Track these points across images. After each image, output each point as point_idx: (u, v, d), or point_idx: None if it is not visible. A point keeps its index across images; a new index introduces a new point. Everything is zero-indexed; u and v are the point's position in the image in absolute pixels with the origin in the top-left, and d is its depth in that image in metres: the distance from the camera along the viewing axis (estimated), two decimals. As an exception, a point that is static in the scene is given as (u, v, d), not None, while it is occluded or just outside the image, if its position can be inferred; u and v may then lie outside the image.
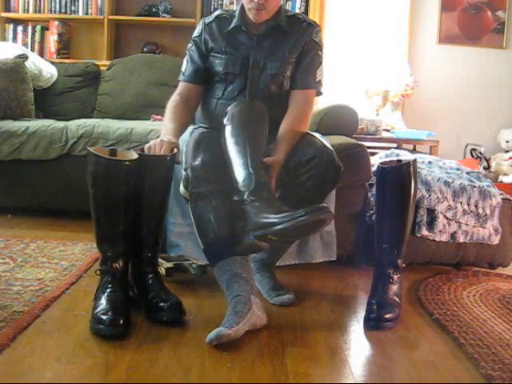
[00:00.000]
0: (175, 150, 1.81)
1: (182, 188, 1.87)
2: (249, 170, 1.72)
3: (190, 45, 2.12)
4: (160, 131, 2.88)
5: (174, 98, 2.07)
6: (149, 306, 1.73)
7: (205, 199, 1.79)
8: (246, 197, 1.69)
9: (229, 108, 1.87)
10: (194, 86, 2.09)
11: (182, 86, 2.11)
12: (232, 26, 2.04)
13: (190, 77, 2.10)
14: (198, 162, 1.84)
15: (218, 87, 2.07)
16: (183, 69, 2.12)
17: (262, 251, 1.83)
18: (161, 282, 1.78)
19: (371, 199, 2.42)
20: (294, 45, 2.03)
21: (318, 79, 2.06)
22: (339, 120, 2.67)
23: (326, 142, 2.05)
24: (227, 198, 1.79)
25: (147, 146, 1.82)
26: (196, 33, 2.11)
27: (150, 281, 1.77)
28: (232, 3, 4.22)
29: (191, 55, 2.10)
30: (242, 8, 2.03)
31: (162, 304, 1.70)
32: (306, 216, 1.57)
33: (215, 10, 3.92)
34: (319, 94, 2.10)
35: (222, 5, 4.23)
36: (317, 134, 2.09)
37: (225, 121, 1.85)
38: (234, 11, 2.08)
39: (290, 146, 1.90)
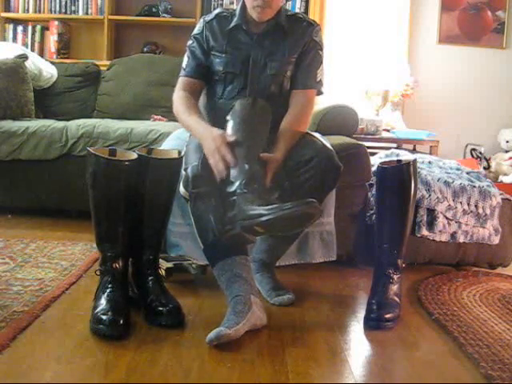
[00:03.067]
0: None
1: (181, 188, 1.87)
2: (243, 162, 1.72)
3: (190, 41, 2.09)
4: (160, 131, 2.90)
5: (182, 94, 2.03)
6: (148, 310, 1.72)
7: (204, 199, 1.79)
8: (237, 188, 1.69)
9: (233, 104, 1.87)
10: (195, 81, 2.06)
11: (183, 80, 2.07)
12: (232, 24, 2.03)
13: (192, 71, 2.06)
14: (197, 162, 1.84)
15: (217, 87, 2.07)
16: (184, 64, 2.09)
17: (249, 243, 1.83)
18: (161, 284, 1.78)
19: (371, 199, 2.42)
20: (294, 45, 2.03)
21: (318, 79, 2.06)
22: (339, 120, 2.67)
23: (326, 142, 2.05)
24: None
25: (211, 160, 1.78)
26: (197, 30, 2.09)
27: (151, 283, 1.77)
28: (232, 3, 4.21)
29: (193, 51, 2.07)
30: (243, 7, 2.02)
31: (161, 308, 1.69)
32: (292, 208, 1.58)
33: (215, 9, 3.91)
34: (320, 93, 2.09)
35: (221, 4, 4.23)
36: (317, 134, 2.09)
37: (227, 116, 1.86)
38: (235, 10, 2.07)
39: (289, 145, 1.90)
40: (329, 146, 1.97)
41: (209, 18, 2.08)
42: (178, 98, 2.03)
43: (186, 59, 2.09)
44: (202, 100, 2.15)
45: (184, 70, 2.08)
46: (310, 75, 2.04)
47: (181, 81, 2.08)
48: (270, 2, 1.93)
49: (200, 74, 2.07)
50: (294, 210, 1.58)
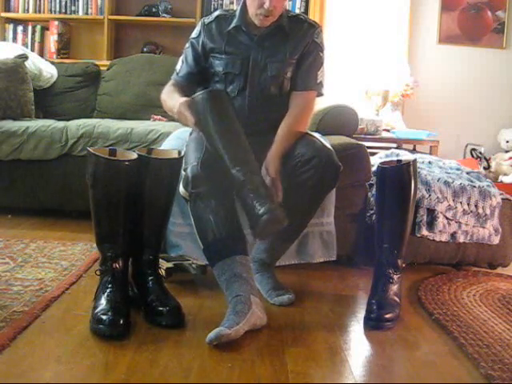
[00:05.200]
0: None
1: (181, 188, 1.87)
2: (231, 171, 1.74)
3: (187, 45, 2.12)
4: (160, 131, 2.91)
5: (170, 87, 2.10)
6: (148, 310, 1.73)
7: (204, 199, 1.79)
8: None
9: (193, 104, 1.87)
10: (184, 88, 2.09)
11: (174, 83, 2.12)
12: (232, 25, 2.03)
13: (182, 78, 2.11)
14: (197, 162, 1.84)
15: (218, 87, 2.07)
16: (177, 68, 2.13)
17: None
18: (161, 284, 1.78)
19: (371, 199, 2.42)
20: (295, 46, 2.03)
21: (319, 80, 2.06)
22: (339, 120, 2.67)
23: (326, 142, 2.05)
24: (227, 198, 1.80)
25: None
26: (194, 34, 2.10)
27: (151, 283, 1.77)
28: (232, 3, 4.21)
29: (186, 56, 2.11)
30: (243, 8, 2.02)
31: (161, 308, 1.69)
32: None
33: (215, 10, 3.91)
34: (320, 94, 2.09)
35: (222, 5, 4.23)
36: (316, 134, 2.09)
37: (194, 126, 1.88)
38: (235, 11, 2.07)
39: (287, 146, 1.90)
40: (328, 145, 1.97)
41: (208, 20, 2.09)
42: (167, 88, 2.09)
43: (180, 63, 2.14)
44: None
45: (177, 74, 2.13)
46: (311, 76, 2.04)
47: (171, 82, 2.13)
48: (273, 12, 1.93)
49: (190, 82, 2.11)
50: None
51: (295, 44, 2.03)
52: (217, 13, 2.10)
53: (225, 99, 1.86)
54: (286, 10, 2.09)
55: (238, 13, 2.03)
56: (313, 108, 2.09)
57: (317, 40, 2.05)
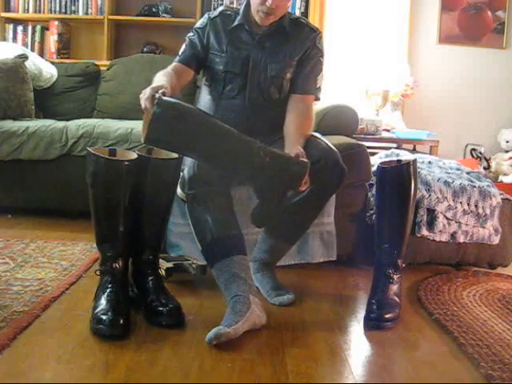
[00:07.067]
0: (162, 91, 1.76)
1: (178, 190, 1.87)
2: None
3: (191, 33, 2.09)
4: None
5: (166, 70, 1.99)
6: (148, 309, 1.73)
7: (201, 200, 1.79)
8: None
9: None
10: (187, 69, 2.04)
11: (174, 65, 2.04)
12: (235, 23, 2.03)
13: (185, 59, 2.04)
14: (193, 163, 1.83)
15: (217, 86, 2.07)
16: (180, 52, 2.08)
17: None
18: (161, 284, 1.78)
19: (371, 199, 2.42)
20: (295, 48, 2.03)
21: (318, 85, 2.07)
22: (339, 120, 2.67)
23: (330, 143, 2.05)
24: (224, 199, 1.80)
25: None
26: (200, 24, 2.08)
27: (150, 283, 1.77)
28: (232, 3, 4.22)
29: (192, 41, 2.06)
30: (247, 6, 2.01)
31: (161, 308, 1.70)
32: None
33: (215, 9, 3.91)
34: (317, 99, 2.10)
35: (222, 5, 4.23)
36: (317, 134, 2.09)
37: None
38: (239, 9, 2.07)
39: (301, 142, 1.90)
40: (333, 147, 1.97)
41: (213, 15, 2.08)
42: (162, 70, 1.98)
43: (183, 47, 2.08)
44: (203, 100, 2.15)
45: (179, 56, 2.07)
46: (311, 81, 2.05)
47: (173, 64, 2.05)
48: (275, 10, 1.93)
49: (193, 63, 2.04)
50: None
51: (295, 46, 2.03)
52: (221, 8, 2.10)
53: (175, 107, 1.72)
54: (289, 12, 2.09)
55: (241, 11, 2.03)
56: (313, 112, 2.10)
57: (318, 45, 2.06)
